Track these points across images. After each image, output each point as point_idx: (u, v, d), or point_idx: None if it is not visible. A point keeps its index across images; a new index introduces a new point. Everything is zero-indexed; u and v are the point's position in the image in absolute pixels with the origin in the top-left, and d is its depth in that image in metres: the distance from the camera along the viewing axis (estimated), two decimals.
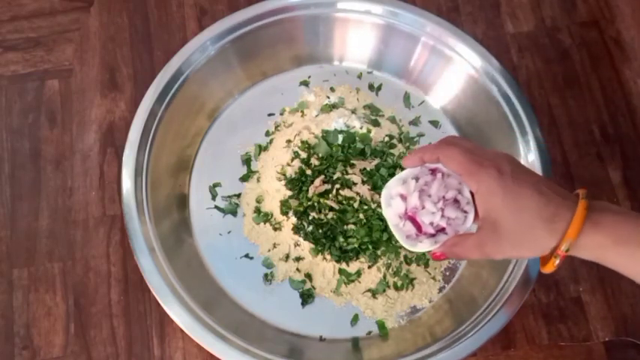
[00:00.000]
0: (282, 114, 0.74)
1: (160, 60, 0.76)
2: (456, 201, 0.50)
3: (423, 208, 0.50)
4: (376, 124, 0.72)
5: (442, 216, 0.50)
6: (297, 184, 0.68)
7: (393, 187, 0.52)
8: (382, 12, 0.72)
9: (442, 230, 0.51)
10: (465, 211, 0.50)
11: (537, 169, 0.66)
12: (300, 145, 0.70)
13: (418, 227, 0.51)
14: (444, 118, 0.74)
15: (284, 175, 0.69)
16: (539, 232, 0.46)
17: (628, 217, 0.46)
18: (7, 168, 0.72)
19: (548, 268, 0.47)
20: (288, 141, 0.70)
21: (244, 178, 0.71)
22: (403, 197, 0.51)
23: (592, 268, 0.69)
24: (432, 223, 0.51)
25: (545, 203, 0.46)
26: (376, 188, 0.67)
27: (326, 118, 0.72)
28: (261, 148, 0.72)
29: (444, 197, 0.50)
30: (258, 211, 0.69)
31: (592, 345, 0.66)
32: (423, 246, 0.51)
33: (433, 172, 0.51)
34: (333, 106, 0.73)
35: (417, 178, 0.51)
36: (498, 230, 0.47)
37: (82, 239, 0.69)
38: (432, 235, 0.51)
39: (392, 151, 0.71)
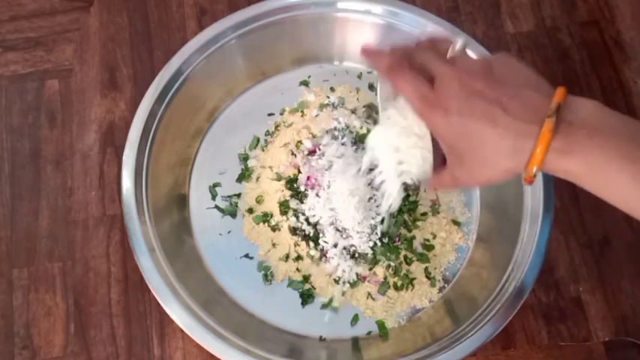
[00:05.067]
0: (282, 114, 0.74)
1: (159, 60, 0.76)
2: None
3: None
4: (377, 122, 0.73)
5: None
6: (297, 184, 0.68)
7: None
8: (382, 12, 0.72)
9: None
10: None
11: None
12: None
13: None
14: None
15: (281, 175, 0.69)
16: (502, 162, 0.44)
17: (605, 137, 0.41)
18: (7, 168, 0.72)
19: (527, 182, 0.45)
20: (287, 143, 0.71)
21: (240, 178, 0.71)
22: None
23: (592, 268, 0.69)
24: None
25: (501, 135, 0.43)
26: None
27: (326, 118, 0.72)
28: (258, 142, 0.72)
29: None
30: (257, 211, 0.69)
31: (592, 345, 0.66)
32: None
33: None
34: (333, 106, 0.73)
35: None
36: (464, 164, 0.46)
37: (82, 239, 0.69)
38: None
39: None
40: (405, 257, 0.67)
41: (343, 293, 0.66)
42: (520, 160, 0.43)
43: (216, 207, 0.70)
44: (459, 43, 0.49)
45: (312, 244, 0.67)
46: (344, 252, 0.66)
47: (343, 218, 0.66)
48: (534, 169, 0.43)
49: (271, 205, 0.69)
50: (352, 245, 0.66)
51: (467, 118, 0.44)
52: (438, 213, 0.69)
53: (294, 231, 0.67)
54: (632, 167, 0.41)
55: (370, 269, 0.66)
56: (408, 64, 0.48)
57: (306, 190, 0.68)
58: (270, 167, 0.70)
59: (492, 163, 0.45)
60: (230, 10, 0.78)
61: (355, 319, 0.65)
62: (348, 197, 0.65)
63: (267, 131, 0.73)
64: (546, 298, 0.67)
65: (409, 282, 0.66)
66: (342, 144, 0.69)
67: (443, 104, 0.45)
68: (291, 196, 0.68)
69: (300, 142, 0.71)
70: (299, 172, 0.69)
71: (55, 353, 0.65)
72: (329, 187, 0.66)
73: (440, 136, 0.47)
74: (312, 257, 0.66)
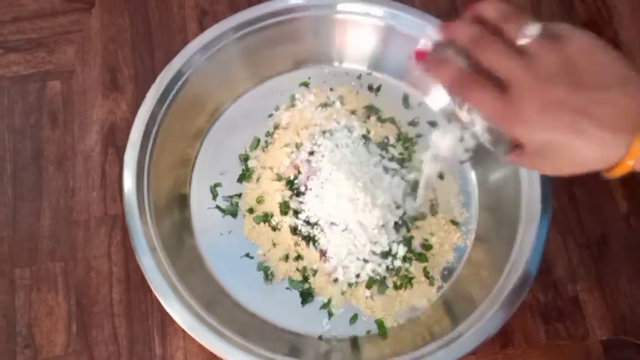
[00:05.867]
0: (276, 110, 0.75)
1: (160, 61, 0.76)
2: None
3: None
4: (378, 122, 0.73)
5: None
6: (297, 184, 0.69)
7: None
8: (382, 14, 0.73)
9: None
10: None
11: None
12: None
13: None
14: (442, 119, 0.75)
15: (282, 176, 0.70)
16: (589, 165, 0.43)
17: None
18: (9, 168, 0.72)
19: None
20: (287, 144, 0.71)
21: (241, 178, 0.71)
22: None
23: (590, 268, 0.69)
24: None
25: (589, 147, 0.41)
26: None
27: (326, 119, 0.72)
28: (259, 142, 0.73)
29: None
30: (258, 211, 0.70)
31: (590, 344, 0.66)
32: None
33: None
34: (332, 107, 0.74)
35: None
36: (546, 160, 0.44)
37: (84, 239, 0.69)
38: None
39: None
40: (404, 257, 0.67)
41: (342, 293, 0.66)
42: (608, 163, 0.43)
43: (217, 207, 0.70)
44: (532, 30, 0.42)
45: (311, 244, 0.67)
46: (343, 252, 0.66)
47: (342, 218, 0.66)
48: (622, 173, 0.43)
49: (272, 205, 0.69)
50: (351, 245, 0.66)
51: (551, 132, 0.42)
52: (437, 213, 0.70)
53: (294, 231, 0.68)
54: None
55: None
56: (475, 72, 0.44)
57: (306, 190, 0.68)
58: (271, 168, 0.71)
59: (578, 164, 0.44)
60: (231, 11, 0.78)
61: (354, 318, 0.66)
62: (345, 196, 0.65)
63: (268, 132, 0.74)
64: (544, 298, 0.68)
65: (408, 281, 0.67)
66: (339, 145, 0.70)
67: (523, 117, 0.42)
68: (291, 197, 0.69)
69: (300, 143, 0.71)
70: (299, 172, 0.69)
71: (56, 352, 0.65)
72: (327, 186, 0.67)
73: (524, 142, 0.45)
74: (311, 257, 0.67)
